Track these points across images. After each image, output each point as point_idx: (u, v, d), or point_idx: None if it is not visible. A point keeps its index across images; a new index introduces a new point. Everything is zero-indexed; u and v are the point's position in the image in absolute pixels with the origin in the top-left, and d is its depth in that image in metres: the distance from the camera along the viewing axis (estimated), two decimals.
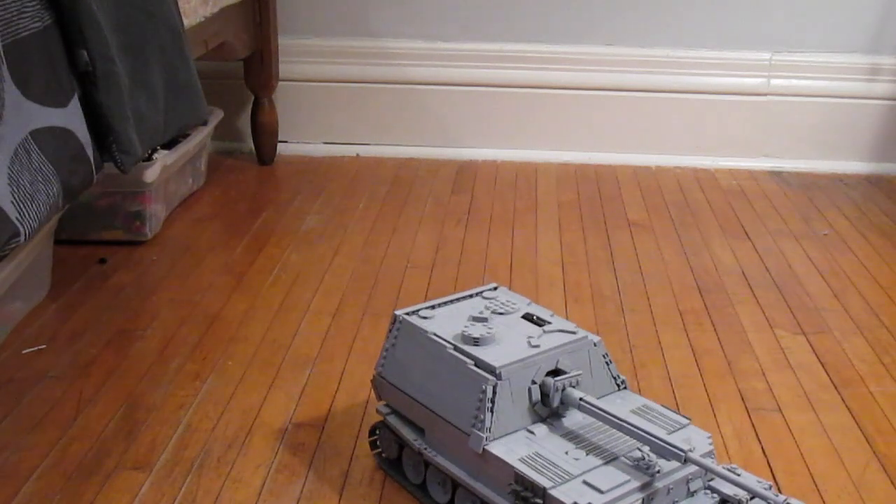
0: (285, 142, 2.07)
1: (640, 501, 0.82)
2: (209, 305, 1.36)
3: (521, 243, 1.61)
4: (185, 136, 1.67)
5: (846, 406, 1.14)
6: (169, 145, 1.60)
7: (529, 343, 0.91)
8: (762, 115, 2.04)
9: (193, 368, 1.19)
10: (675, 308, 1.38)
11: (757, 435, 1.08)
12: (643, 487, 0.82)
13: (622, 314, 1.36)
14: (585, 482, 0.82)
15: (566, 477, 0.82)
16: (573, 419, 0.90)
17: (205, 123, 1.77)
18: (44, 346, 1.23)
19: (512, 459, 0.84)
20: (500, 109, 2.06)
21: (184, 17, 1.27)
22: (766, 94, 2.03)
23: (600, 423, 0.90)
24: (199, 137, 1.73)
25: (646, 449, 0.85)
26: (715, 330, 1.32)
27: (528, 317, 0.97)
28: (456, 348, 0.90)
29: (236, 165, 2.00)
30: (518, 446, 0.86)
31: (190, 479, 0.98)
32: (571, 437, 0.88)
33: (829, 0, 1.99)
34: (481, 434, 0.86)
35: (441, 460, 0.90)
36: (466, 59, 2.04)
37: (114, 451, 1.02)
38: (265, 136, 1.99)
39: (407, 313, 0.97)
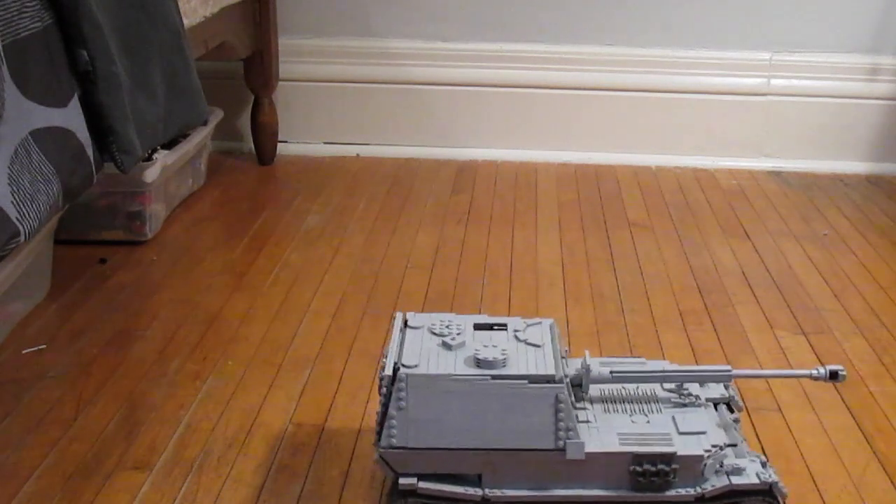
0: (285, 142, 2.07)
1: (722, 428, 0.90)
2: (209, 305, 1.36)
3: (521, 243, 1.61)
4: (185, 136, 1.67)
5: (846, 406, 1.14)
6: (169, 145, 1.60)
7: (532, 344, 0.91)
8: (762, 115, 2.04)
9: (193, 368, 1.19)
10: (675, 308, 1.38)
11: (757, 434, 1.08)
12: (713, 415, 0.92)
13: (622, 314, 1.36)
14: (682, 433, 0.87)
15: (668, 436, 0.86)
16: (592, 394, 0.94)
17: (205, 123, 1.77)
18: (44, 346, 1.23)
19: (617, 447, 0.86)
20: (500, 109, 2.06)
21: (184, 17, 1.27)
22: (766, 94, 2.03)
23: (612, 385, 0.94)
24: (199, 137, 1.73)
25: (668, 385, 0.93)
26: (715, 330, 1.32)
27: (483, 326, 0.95)
28: (495, 377, 0.86)
29: (236, 165, 2.00)
30: (600, 436, 0.88)
31: (190, 479, 0.97)
32: (614, 407, 0.92)
33: (829, 0, 1.99)
34: (578, 441, 0.86)
35: (514, 492, 0.88)
36: (466, 59, 2.04)
37: (114, 451, 1.02)
38: (265, 136, 1.99)
39: (403, 369, 0.87)
